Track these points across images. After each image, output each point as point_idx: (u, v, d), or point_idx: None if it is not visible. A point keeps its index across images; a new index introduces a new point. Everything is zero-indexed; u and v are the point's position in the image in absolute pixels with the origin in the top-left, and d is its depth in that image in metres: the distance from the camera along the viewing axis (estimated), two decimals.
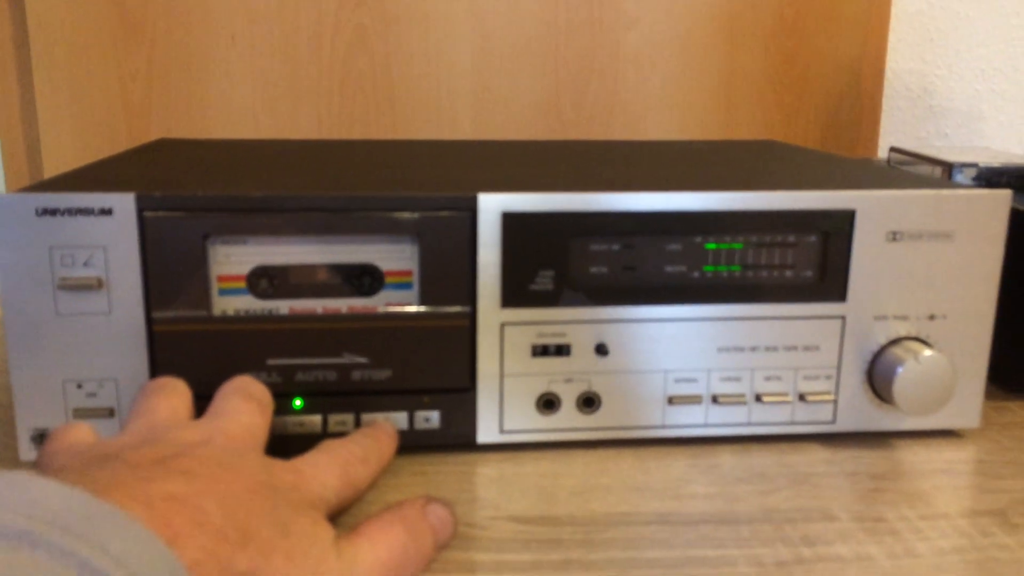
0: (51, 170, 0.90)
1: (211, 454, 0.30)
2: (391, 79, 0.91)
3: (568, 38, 0.92)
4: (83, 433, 0.34)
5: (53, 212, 0.37)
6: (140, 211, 0.38)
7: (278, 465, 0.32)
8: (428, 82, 0.92)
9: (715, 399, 0.43)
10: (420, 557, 0.32)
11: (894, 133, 1.04)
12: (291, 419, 0.41)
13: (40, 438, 0.39)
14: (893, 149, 0.69)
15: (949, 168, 0.60)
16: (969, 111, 1.05)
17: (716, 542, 0.35)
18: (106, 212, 0.38)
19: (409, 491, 0.39)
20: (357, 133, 0.92)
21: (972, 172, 0.60)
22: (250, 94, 0.90)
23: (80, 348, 0.39)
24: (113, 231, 0.38)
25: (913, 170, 0.63)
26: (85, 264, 0.38)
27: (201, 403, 0.39)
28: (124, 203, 0.38)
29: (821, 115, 0.98)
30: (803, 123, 0.97)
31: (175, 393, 0.36)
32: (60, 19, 0.87)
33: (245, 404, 0.35)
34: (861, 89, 0.98)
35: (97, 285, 0.38)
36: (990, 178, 0.60)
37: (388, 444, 0.39)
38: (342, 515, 0.35)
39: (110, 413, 0.39)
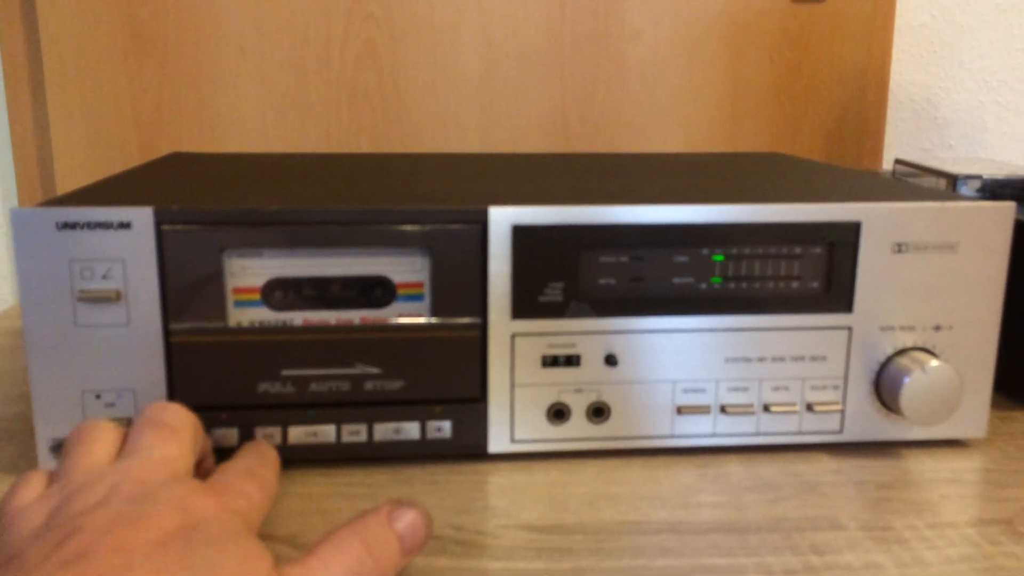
0: (63, 183, 0.91)
1: (111, 513, 0.28)
2: (399, 92, 0.92)
3: (574, 51, 0.93)
4: (28, 494, 0.32)
5: (73, 226, 0.38)
6: (158, 224, 0.39)
7: (197, 490, 0.31)
8: (435, 96, 0.92)
9: (723, 409, 0.44)
10: (382, 570, 0.30)
11: (898, 145, 1.05)
12: (304, 429, 0.41)
13: (58, 448, 0.40)
14: (898, 161, 0.69)
15: (953, 180, 0.60)
16: (973, 122, 1.06)
17: (726, 550, 0.36)
18: (125, 226, 0.38)
19: (423, 500, 0.40)
20: (365, 146, 0.93)
21: (976, 184, 0.61)
22: (259, 107, 0.91)
23: (99, 359, 0.39)
24: (131, 244, 0.39)
25: (918, 182, 0.64)
26: (104, 277, 0.39)
27: (213, 415, 0.40)
28: (142, 217, 0.38)
29: (825, 127, 0.98)
30: (808, 135, 0.98)
31: (93, 441, 0.34)
32: (72, 34, 0.88)
33: (156, 435, 0.34)
34: (865, 101, 0.98)
35: (115, 297, 0.39)
36: (994, 190, 0.60)
37: (272, 452, 0.39)
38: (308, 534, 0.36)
39: (128, 423, 0.40)
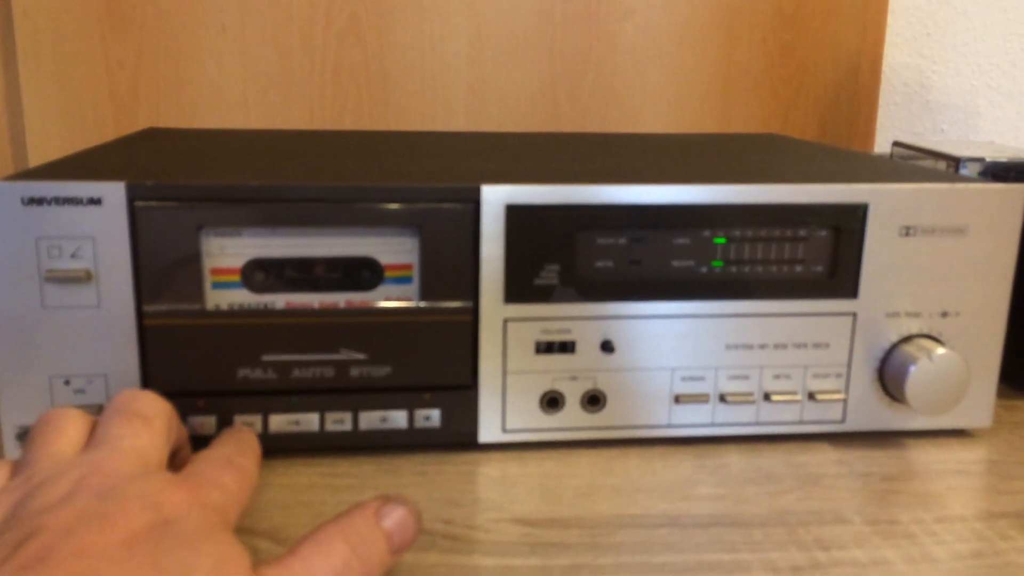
0: (36, 160, 0.88)
1: (76, 511, 0.27)
2: (384, 70, 0.90)
3: (564, 30, 0.91)
4: None
5: (40, 201, 0.36)
6: (131, 201, 0.36)
7: (169, 484, 0.29)
8: (422, 74, 0.90)
9: (723, 398, 0.42)
10: (368, 571, 0.29)
11: (889, 128, 1.04)
12: (286, 417, 0.39)
13: (25, 436, 0.38)
14: (896, 143, 0.68)
15: (955, 162, 0.59)
16: (965, 106, 1.05)
17: (728, 546, 0.34)
18: (95, 202, 0.36)
19: (409, 492, 0.38)
20: (349, 124, 0.90)
21: (978, 167, 0.59)
22: (240, 84, 0.88)
23: (68, 343, 0.37)
24: (102, 221, 0.36)
25: (918, 164, 0.62)
26: (73, 256, 0.37)
27: (189, 402, 0.38)
28: (114, 192, 0.36)
29: (818, 109, 0.97)
30: (800, 117, 0.96)
31: (59, 430, 0.32)
32: (46, 6, 0.85)
33: (127, 426, 0.32)
34: (858, 83, 0.97)
35: (86, 277, 0.37)
36: (996, 172, 0.59)
37: (253, 438, 0.37)
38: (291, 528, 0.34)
39: (99, 411, 0.38)
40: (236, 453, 0.35)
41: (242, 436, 0.37)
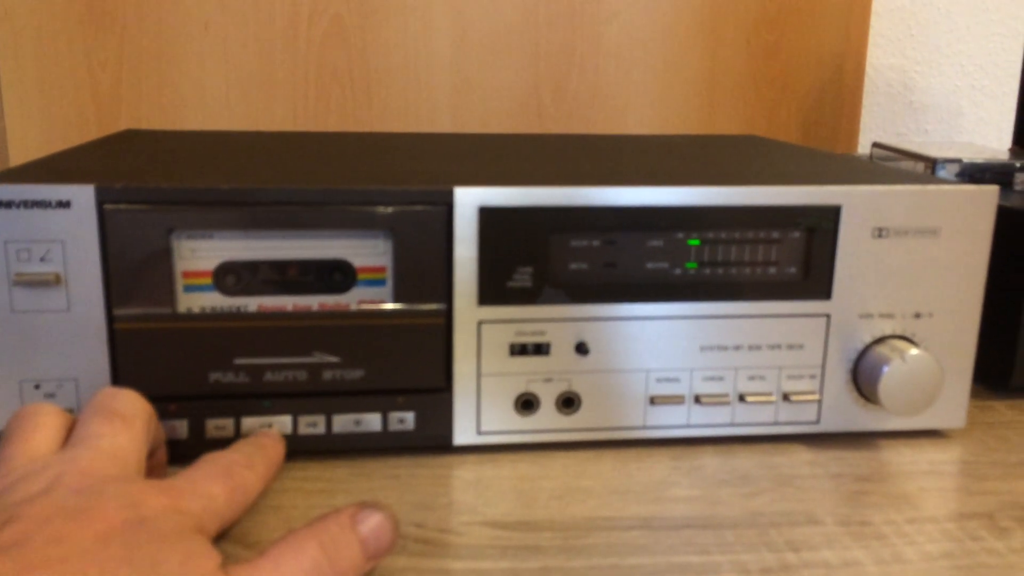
0: (17, 161, 0.87)
1: (54, 504, 0.27)
2: (368, 71, 0.89)
3: (548, 30, 0.91)
4: None
5: (8, 204, 0.36)
6: (100, 204, 0.36)
7: (148, 489, 0.29)
8: (406, 75, 0.90)
9: (697, 399, 0.42)
10: (339, 573, 0.29)
11: (873, 129, 1.04)
12: (259, 421, 0.39)
13: None
14: (876, 144, 0.68)
15: (932, 164, 0.59)
16: (949, 106, 1.05)
17: (700, 548, 0.34)
18: (64, 205, 0.36)
19: (383, 495, 0.38)
20: (333, 126, 0.90)
21: (955, 168, 0.59)
22: (223, 85, 0.88)
23: (37, 347, 0.37)
24: (72, 225, 0.36)
25: (896, 166, 0.63)
26: (42, 259, 0.36)
27: (161, 406, 0.38)
28: (83, 195, 0.36)
29: (802, 110, 0.97)
30: (784, 118, 0.97)
31: (35, 427, 0.32)
32: (27, 5, 0.85)
33: (106, 425, 0.32)
34: (842, 84, 0.97)
35: (55, 281, 0.37)
36: (973, 174, 0.59)
37: (274, 448, 0.37)
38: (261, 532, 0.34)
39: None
40: (241, 463, 0.34)
41: (260, 444, 0.37)
